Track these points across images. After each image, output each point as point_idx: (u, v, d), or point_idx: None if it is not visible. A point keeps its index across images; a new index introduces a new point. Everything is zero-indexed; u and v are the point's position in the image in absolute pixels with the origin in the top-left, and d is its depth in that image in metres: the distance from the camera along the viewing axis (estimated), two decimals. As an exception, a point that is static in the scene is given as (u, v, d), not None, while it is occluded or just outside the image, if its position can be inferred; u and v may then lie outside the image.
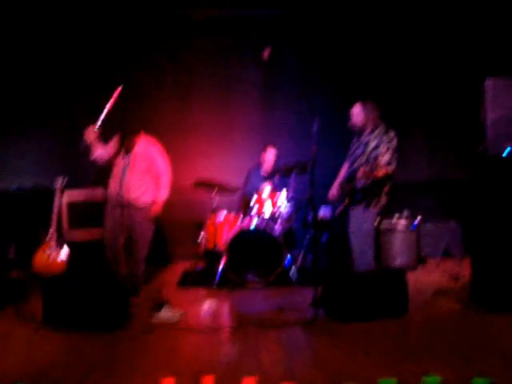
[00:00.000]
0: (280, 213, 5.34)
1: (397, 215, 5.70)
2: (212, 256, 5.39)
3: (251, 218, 5.26)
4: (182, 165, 6.46)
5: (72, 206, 5.62)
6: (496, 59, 5.96)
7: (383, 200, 4.41)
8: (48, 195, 5.32)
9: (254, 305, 4.53)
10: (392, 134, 4.41)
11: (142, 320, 3.92)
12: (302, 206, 5.75)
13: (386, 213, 4.56)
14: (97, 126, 4.26)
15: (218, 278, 5.03)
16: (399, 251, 5.63)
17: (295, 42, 6.63)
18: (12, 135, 6.48)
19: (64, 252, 5.14)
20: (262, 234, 5.11)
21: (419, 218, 5.82)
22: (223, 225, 5.34)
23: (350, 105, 4.75)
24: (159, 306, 4.13)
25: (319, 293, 3.96)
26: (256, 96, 6.70)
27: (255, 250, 5.07)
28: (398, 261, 5.61)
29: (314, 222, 4.98)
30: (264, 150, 6.01)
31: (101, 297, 3.78)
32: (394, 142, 4.35)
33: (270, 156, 5.94)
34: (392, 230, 5.64)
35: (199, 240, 5.48)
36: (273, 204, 5.35)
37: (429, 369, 2.94)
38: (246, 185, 5.93)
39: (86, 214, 5.49)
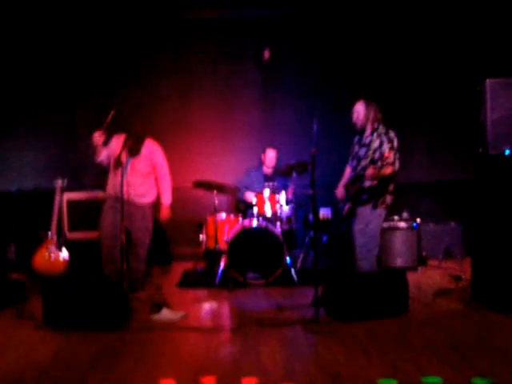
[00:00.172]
0: (281, 213, 5.34)
1: (396, 217, 5.70)
2: (213, 255, 5.39)
3: (252, 217, 5.26)
4: (182, 165, 6.48)
5: (72, 206, 5.63)
6: (496, 60, 5.96)
7: (388, 199, 4.42)
8: (48, 196, 5.32)
9: (255, 304, 4.52)
10: (392, 133, 4.42)
11: (141, 320, 3.92)
12: (303, 206, 5.76)
13: (387, 213, 4.57)
14: (102, 131, 4.28)
15: (218, 277, 5.03)
16: (400, 252, 5.64)
17: (295, 42, 6.64)
18: (13, 137, 6.49)
19: (64, 252, 5.14)
20: (263, 233, 5.11)
21: (419, 219, 5.82)
22: (224, 224, 5.34)
23: (350, 105, 4.75)
24: (159, 306, 4.13)
25: (320, 292, 3.96)
26: (256, 96, 6.70)
27: (256, 249, 5.08)
28: (399, 261, 5.62)
29: (315, 222, 4.98)
30: (263, 151, 6.00)
31: (100, 297, 3.78)
32: (395, 142, 4.37)
33: (270, 157, 5.94)
34: (393, 230, 5.63)
35: (200, 239, 5.48)
36: (273, 204, 5.35)
37: (429, 369, 2.94)
38: (242, 185, 5.90)
39: (86, 214, 5.49)
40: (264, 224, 5.16)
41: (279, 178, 5.84)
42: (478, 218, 4.35)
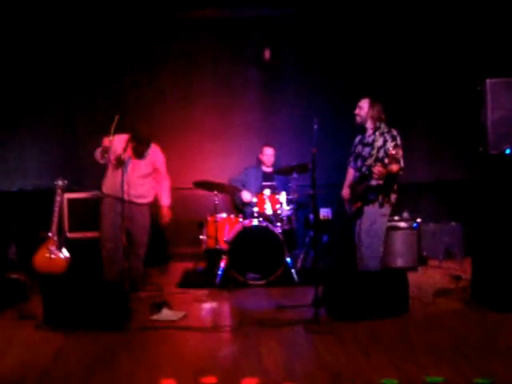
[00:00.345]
0: (281, 213, 5.34)
1: (397, 217, 5.70)
2: (213, 255, 5.39)
3: (252, 217, 5.27)
4: (183, 164, 6.48)
5: (72, 206, 5.63)
6: (496, 59, 5.96)
7: (393, 198, 4.44)
8: (49, 196, 5.33)
9: (255, 304, 4.53)
10: (395, 132, 4.44)
11: (142, 320, 3.92)
12: (303, 206, 5.76)
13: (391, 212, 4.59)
14: (111, 137, 4.31)
15: (218, 277, 5.03)
16: (400, 251, 5.64)
17: (295, 41, 6.64)
18: (13, 137, 6.49)
19: (65, 252, 5.15)
20: (263, 233, 5.12)
21: (419, 219, 5.82)
22: (224, 224, 5.34)
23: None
24: (159, 305, 4.14)
25: (320, 292, 3.96)
26: (256, 96, 6.70)
27: (257, 249, 5.08)
28: (399, 261, 5.62)
29: (315, 222, 4.99)
30: (260, 151, 6.00)
31: (101, 297, 3.78)
32: (399, 140, 4.38)
33: (268, 155, 5.93)
34: (393, 230, 5.63)
35: (201, 239, 5.48)
36: (274, 204, 5.35)
37: (429, 368, 2.94)
38: (237, 181, 5.90)
39: (87, 214, 5.50)
40: (264, 224, 5.16)
41: (278, 177, 5.84)
42: (478, 218, 4.36)
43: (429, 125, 6.58)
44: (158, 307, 4.11)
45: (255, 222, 5.18)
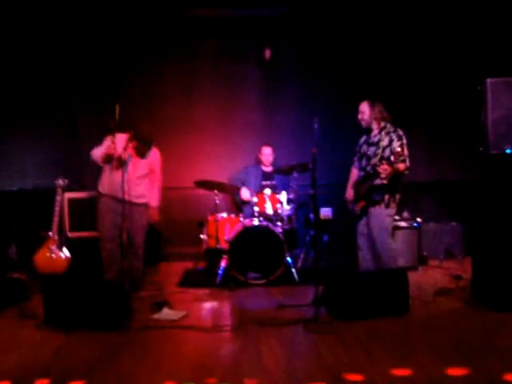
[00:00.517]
0: (281, 212, 5.34)
1: (397, 217, 5.70)
2: (213, 255, 5.39)
3: (253, 216, 5.27)
4: (183, 164, 6.49)
5: (73, 206, 5.64)
6: (496, 59, 5.96)
7: (397, 197, 4.46)
8: (49, 195, 5.33)
9: (256, 304, 4.53)
10: (401, 131, 4.45)
11: (142, 319, 3.93)
12: (303, 205, 5.76)
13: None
14: (113, 140, 4.40)
15: (219, 277, 5.03)
16: (400, 251, 5.63)
17: (295, 41, 6.63)
18: (14, 137, 6.49)
19: (65, 251, 5.15)
20: (264, 233, 5.12)
21: (419, 219, 5.82)
22: (224, 223, 5.35)
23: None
24: (160, 305, 4.14)
25: (320, 292, 3.97)
26: (257, 96, 6.70)
27: (257, 249, 5.08)
28: (400, 261, 5.61)
29: (316, 221, 4.99)
30: (259, 150, 6.01)
31: (101, 296, 3.78)
32: (405, 139, 4.39)
33: (266, 154, 5.94)
34: (394, 229, 5.62)
35: (202, 237, 5.48)
36: (274, 204, 5.35)
37: (430, 368, 2.94)
38: (237, 181, 5.91)
39: (87, 214, 5.49)
40: (265, 223, 5.17)
41: (278, 176, 5.84)
42: (478, 218, 4.36)
43: (429, 124, 6.58)
44: (158, 307, 4.12)
45: (256, 221, 5.18)
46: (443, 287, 4.75)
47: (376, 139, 4.51)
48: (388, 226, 4.50)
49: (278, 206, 5.35)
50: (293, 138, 6.50)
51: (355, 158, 4.77)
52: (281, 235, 5.10)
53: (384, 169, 4.23)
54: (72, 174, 5.67)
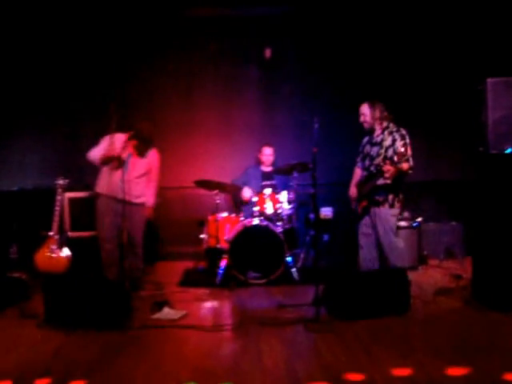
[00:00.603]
0: (281, 212, 5.35)
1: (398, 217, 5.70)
2: (214, 254, 5.40)
3: (253, 216, 5.28)
4: (184, 164, 6.50)
5: (73, 205, 5.64)
6: (497, 59, 5.96)
7: (401, 196, 4.46)
8: (50, 195, 5.33)
9: (256, 303, 4.53)
10: (404, 131, 4.45)
11: (143, 319, 3.93)
12: (304, 205, 5.77)
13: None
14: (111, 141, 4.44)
15: (219, 276, 5.04)
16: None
17: (296, 40, 6.63)
18: (14, 136, 6.49)
19: (66, 250, 5.15)
20: (264, 233, 5.12)
21: (420, 218, 5.83)
22: (225, 223, 5.35)
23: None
24: (160, 304, 4.15)
25: (321, 291, 3.97)
26: (257, 95, 6.70)
27: (257, 248, 5.09)
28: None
29: (316, 221, 4.99)
30: (259, 151, 6.01)
31: (102, 296, 3.79)
32: (408, 139, 4.39)
33: (267, 154, 5.94)
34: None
35: (202, 237, 5.48)
36: (274, 203, 5.36)
37: (430, 367, 2.95)
38: (239, 181, 5.91)
39: (88, 213, 5.49)
40: (265, 223, 5.17)
41: (278, 176, 5.84)
42: (478, 218, 4.36)
43: (429, 124, 6.57)
44: (159, 306, 4.13)
45: (256, 221, 5.18)
46: (443, 287, 4.76)
47: (379, 139, 4.50)
48: (393, 226, 4.49)
49: (278, 205, 5.35)
50: (293, 137, 6.49)
51: (358, 159, 4.76)
52: (281, 235, 5.11)
53: (388, 169, 4.23)
54: (72, 174, 5.67)
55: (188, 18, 6.59)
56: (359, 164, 4.76)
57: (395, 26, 6.51)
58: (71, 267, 5.13)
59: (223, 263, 5.09)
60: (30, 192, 6.13)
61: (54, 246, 5.09)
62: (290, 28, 6.60)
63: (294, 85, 6.65)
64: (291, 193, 5.42)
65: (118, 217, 4.50)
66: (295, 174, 5.44)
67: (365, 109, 4.56)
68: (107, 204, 4.63)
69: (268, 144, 5.99)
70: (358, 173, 4.78)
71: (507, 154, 4.15)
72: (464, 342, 3.38)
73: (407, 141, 4.40)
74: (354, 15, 6.53)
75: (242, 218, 5.37)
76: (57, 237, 5.13)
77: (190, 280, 5.34)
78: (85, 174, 6.23)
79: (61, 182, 5.27)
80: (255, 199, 5.38)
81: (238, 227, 5.17)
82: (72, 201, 5.65)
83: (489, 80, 4.25)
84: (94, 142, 4.72)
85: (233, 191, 5.88)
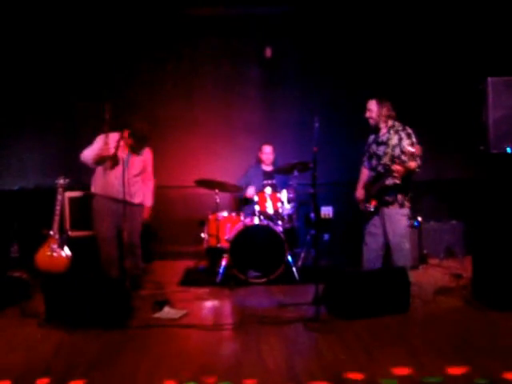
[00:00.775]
0: (282, 211, 5.35)
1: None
2: (214, 254, 5.40)
3: (253, 215, 5.28)
4: (184, 163, 6.50)
5: (74, 205, 5.65)
6: (498, 58, 5.96)
7: (410, 195, 4.45)
8: (50, 194, 5.34)
9: (256, 302, 4.53)
10: (409, 130, 4.44)
11: (143, 318, 3.94)
12: (304, 204, 5.77)
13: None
14: (106, 137, 4.44)
15: (220, 275, 5.04)
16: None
17: (296, 40, 6.63)
18: (15, 136, 6.49)
19: (66, 250, 5.16)
20: (264, 232, 5.13)
21: (420, 217, 5.83)
22: (225, 222, 5.35)
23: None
24: (161, 303, 4.15)
25: (321, 290, 3.97)
26: (257, 94, 6.70)
27: (258, 248, 5.09)
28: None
29: (316, 220, 4.99)
30: (260, 150, 6.02)
31: (102, 295, 3.80)
32: (414, 137, 4.38)
33: (267, 153, 5.95)
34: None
35: (202, 236, 5.49)
36: (275, 203, 5.36)
37: (430, 366, 2.95)
38: (242, 182, 5.92)
39: (88, 212, 5.49)
40: (265, 222, 5.17)
41: (278, 175, 5.84)
42: (479, 217, 4.36)
43: (429, 123, 6.56)
44: (159, 305, 4.13)
45: (256, 220, 5.19)
46: (443, 286, 4.76)
47: (385, 138, 4.47)
48: (403, 226, 4.44)
49: (279, 204, 5.36)
50: (293, 137, 6.50)
51: (364, 158, 4.73)
52: (281, 234, 5.11)
53: (397, 169, 4.22)
54: (73, 174, 5.67)
55: (189, 17, 6.59)
56: (366, 164, 4.71)
57: (396, 25, 6.51)
58: (71, 266, 5.13)
59: (224, 262, 5.10)
60: (30, 191, 6.14)
61: (55, 246, 5.09)
62: (290, 28, 6.59)
63: (294, 84, 6.65)
64: (291, 192, 5.42)
65: (116, 217, 4.50)
66: (296, 174, 5.44)
67: (372, 105, 4.52)
68: (104, 204, 4.61)
69: (268, 142, 6.01)
70: (364, 173, 4.73)
71: (508, 153, 4.15)
72: (464, 341, 3.38)
73: (414, 139, 4.37)
74: (354, 15, 6.53)
75: (243, 218, 5.38)
76: (57, 236, 5.14)
77: (191, 279, 5.34)
78: (85, 174, 6.24)
79: (61, 181, 5.27)
80: (256, 198, 5.39)
81: (239, 226, 5.17)
82: (72, 200, 5.66)
83: (489, 79, 4.25)
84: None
85: (234, 191, 5.88)
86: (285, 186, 5.56)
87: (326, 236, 6.24)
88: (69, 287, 3.87)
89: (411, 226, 5.71)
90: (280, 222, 5.31)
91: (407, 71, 6.48)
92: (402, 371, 2.90)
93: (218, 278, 5.04)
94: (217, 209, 5.38)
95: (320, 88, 6.55)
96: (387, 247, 4.49)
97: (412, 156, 4.17)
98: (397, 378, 2.80)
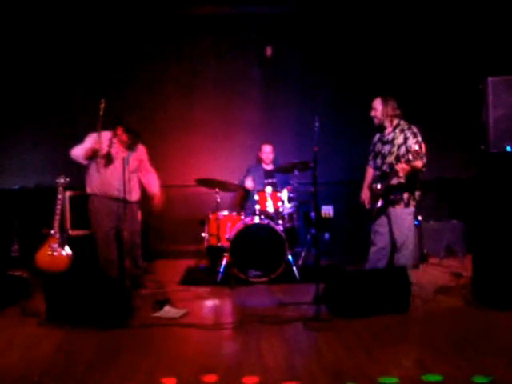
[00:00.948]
0: (282, 210, 5.35)
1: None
2: (215, 253, 5.41)
3: (254, 214, 5.28)
4: (185, 162, 6.51)
5: (74, 204, 5.66)
6: (498, 58, 5.96)
7: (417, 194, 4.43)
8: (51, 194, 5.34)
9: (257, 301, 4.54)
10: (415, 128, 4.41)
11: (144, 317, 3.94)
12: (304, 203, 5.77)
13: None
14: (99, 136, 4.41)
15: (220, 274, 5.05)
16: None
17: (296, 39, 6.63)
18: (15, 135, 6.50)
19: (67, 249, 5.17)
20: (265, 231, 5.13)
21: (420, 216, 5.83)
22: (226, 221, 5.36)
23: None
24: (161, 302, 4.16)
25: (321, 290, 3.98)
26: (258, 94, 6.70)
27: (258, 247, 5.10)
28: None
29: (317, 219, 4.99)
30: (259, 149, 6.03)
31: (103, 294, 3.80)
32: (419, 136, 4.36)
33: (266, 152, 5.95)
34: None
35: (203, 235, 5.49)
36: (275, 202, 5.36)
37: (430, 366, 2.95)
38: (243, 182, 5.93)
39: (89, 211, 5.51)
40: (266, 221, 5.18)
41: (278, 174, 5.85)
42: (479, 216, 4.36)
43: (429, 122, 6.54)
44: (160, 304, 4.13)
45: (257, 219, 5.19)
46: (444, 285, 4.77)
47: (390, 137, 4.45)
48: (409, 225, 4.43)
49: (279, 204, 5.36)
50: (294, 136, 6.50)
51: (370, 157, 4.70)
52: (282, 233, 5.11)
53: (402, 168, 4.20)
54: (73, 173, 5.67)
55: (189, 16, 6.59)
56: (371, 163, 4.69)
57: (396, 25, 6.51)
58: (72, 266, 5.13)
59: (224, 261, 5.10)
60: (31, 190, 6.15)
61: (55, 245, 5.09)
62: (290, 27, 6.59)
63: (294, 83, 6.65)
64: (291, 191, 5.42)
65: (115, 216, 4.49)
66: (296, 173, 5.44)
67: (377, 104, 4.49)
68: (102, 204, 4.58)
69: (267, 142, 6.01)
70: (370, 172, 4.71)
71: (508, 152, 4.15)
72: (464, 340, 3.38)
73: (419, 138, 4.34)
74: (354, 15, 6.53)
75: (243, 217, 5.38)
76: (58, 235, 5.14)
77: (191, 278, 5.34)
78: (85, 173, 6.25)
79: (62, 180, 5.27)
80: (256, 197, 5.40)
81: (239, 225, 5.18)
82: (73, 199, 5.67)
83: (490, 79, 4.25)
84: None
85: (234, 190, 5.88)
86: (284, 184, 5.56)
87: (327, 235, 6.24)
88: (69, 286, 3.87)
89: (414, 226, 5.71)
90: (280, 221, 5.31)
91: (407, 71, 6.48)
92: (402, 370, 2.91)
93: (219, 277, 5.05)
94: (217, 208, 5.38)
95: (320, 88, 6.55)
96: (392, 246, 4.49)
97: (418, 154, 4.14)
98: (397, 377, 2.80)
